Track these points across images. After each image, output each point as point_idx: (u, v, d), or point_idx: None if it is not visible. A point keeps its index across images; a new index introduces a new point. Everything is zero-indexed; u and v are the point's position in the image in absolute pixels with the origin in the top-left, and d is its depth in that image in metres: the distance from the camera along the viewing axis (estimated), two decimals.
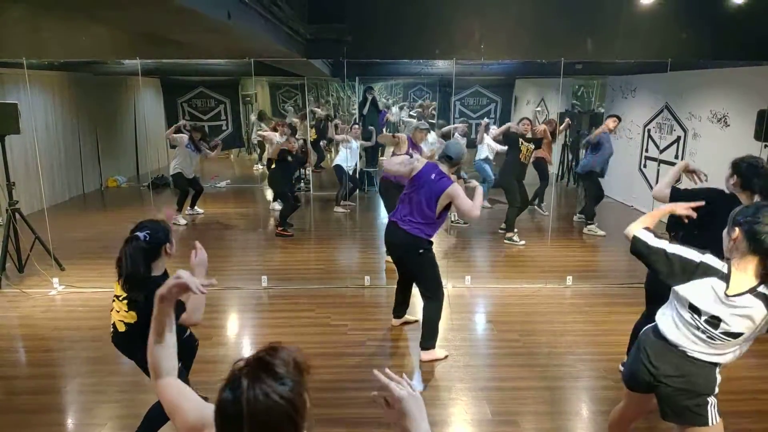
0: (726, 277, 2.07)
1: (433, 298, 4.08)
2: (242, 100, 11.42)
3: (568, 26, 4.88)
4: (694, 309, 2.16)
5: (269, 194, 9.22)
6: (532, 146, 7.29)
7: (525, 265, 6.28)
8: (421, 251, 4.01)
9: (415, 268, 4.15)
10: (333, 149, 11.22)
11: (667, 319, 2.30)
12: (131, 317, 2.81)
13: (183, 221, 8.04)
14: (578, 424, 3.42)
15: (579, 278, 5.69)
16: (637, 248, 2.26)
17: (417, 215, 3.97)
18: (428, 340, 4.10)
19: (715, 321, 2.11)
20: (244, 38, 3.65)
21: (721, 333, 2.12)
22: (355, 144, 8.90)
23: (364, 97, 10.63)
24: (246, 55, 5.12)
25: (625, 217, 7.92)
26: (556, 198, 9.06)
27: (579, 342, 4.42)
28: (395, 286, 4.58)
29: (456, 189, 3.88)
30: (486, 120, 8.77)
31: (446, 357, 4.13)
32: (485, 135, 8.16)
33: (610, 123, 7.35)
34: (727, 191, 3.08)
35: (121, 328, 2.82)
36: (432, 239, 4.09)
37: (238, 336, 4.76)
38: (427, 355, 4.10)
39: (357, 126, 9.08)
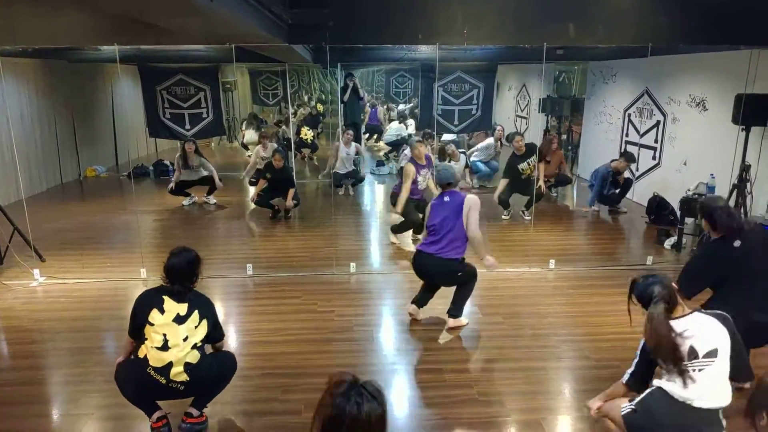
0: None
1: (470, 279, 4.37)
2: (222, 87, 11.26)
3: (550, 11, 4.88)
4: None
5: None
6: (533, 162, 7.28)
7: (509, 249, 6.34)
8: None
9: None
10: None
11: None
12: (201, 332, 2.93)
13: (213, 200, 8.54)
14: (561, 403, 3.50)
15: (561, 262, 5.77)
16: None
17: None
18: (460, 309, 4.40)
19: None
20: (225, 23, 3.59)
21: None
22: (347, 151, 8.92)
23: (345, 84, 10.56)
24: (227, 40, 5.04)
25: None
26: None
27: (562, 324, 4.50)
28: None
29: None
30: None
31: (467, 324, 4.44)
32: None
33: (621, 165, 7.53)
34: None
35: (193, 358, 2.88)
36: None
37: (224, 324, 4.72)
38: (455, 322, 4.40)
39: (349, 133, 9.20)
